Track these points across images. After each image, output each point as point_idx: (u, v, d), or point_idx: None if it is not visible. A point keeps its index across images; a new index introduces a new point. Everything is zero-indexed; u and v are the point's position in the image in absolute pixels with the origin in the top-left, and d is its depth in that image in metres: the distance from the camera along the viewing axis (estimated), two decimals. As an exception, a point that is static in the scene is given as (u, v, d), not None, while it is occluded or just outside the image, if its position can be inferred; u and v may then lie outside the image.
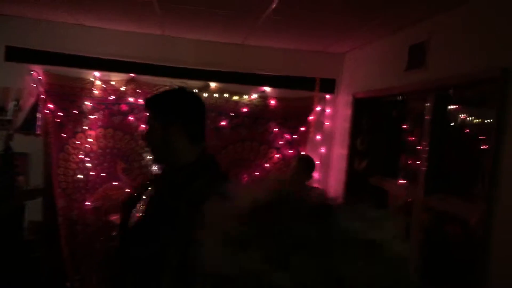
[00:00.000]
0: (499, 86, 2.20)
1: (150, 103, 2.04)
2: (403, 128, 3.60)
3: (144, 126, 4.24)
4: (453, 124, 3.19)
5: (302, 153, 4.45)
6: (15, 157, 4.06)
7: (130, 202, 2.16)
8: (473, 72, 2.48)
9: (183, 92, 2.07)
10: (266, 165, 4.57)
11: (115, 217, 3.98)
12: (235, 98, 4.54)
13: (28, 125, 4.22)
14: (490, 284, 2.25)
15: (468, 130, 3.19)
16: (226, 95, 4.52)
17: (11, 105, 4.00)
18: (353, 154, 4.17)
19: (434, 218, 3.08)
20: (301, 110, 4.61)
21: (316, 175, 4.64)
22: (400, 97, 3.47)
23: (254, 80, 4.54)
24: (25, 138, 4.24)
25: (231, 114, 4.53)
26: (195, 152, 2.00)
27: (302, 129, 4.62)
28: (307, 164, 3.97)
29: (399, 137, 3.73)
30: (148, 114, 2.03)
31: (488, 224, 2.27)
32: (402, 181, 3.56)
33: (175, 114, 1.98)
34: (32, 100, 4.20)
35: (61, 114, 4.30)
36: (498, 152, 2.22)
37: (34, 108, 4.23)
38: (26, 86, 4.18)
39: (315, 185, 4.54)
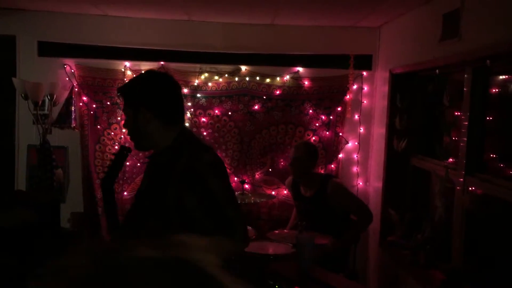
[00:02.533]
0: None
1: (120, 90, 2.02)
2: (443, 104, 3.34)
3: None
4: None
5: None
6: (52, 151, 4.15)
7: None
8: (509, 40, 2.22)
9: (151, 77, 2.08)
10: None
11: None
12: (267, 80, 4.41)
13: (64, 119, 4.29)
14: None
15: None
16: (257, 78, 4.40)
17: (46, 99, 4.06)
18: (392, 133, 3.95)
19: (476, 200, 2.85)
20: (336, 90, 4.41)
21: (355, 156, 4.46)
22: (437, 70, 3.21)
23: (285, 61, 4.38)
24: (61, 132, 4.32)
25: (264, 97, 4.40)
26: (171, 135, 1.96)
27: (339, 109, 4.42)
28: (306, 149, 3.70)
29: (439, 114, 3.47)
30: (123, 103, 2.03)
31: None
32: (444, 161, 3.32)
33: (141, 99, 1.94)
34: (66, 94, 4.26)
35: (95, 106, 4.34)
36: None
37: (69, 102, 4.30)
38: (60, 80, 4.23)
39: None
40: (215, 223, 1.81)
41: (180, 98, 2.06)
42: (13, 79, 4.02)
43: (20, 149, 4.36)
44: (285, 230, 3.75)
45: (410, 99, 3.84)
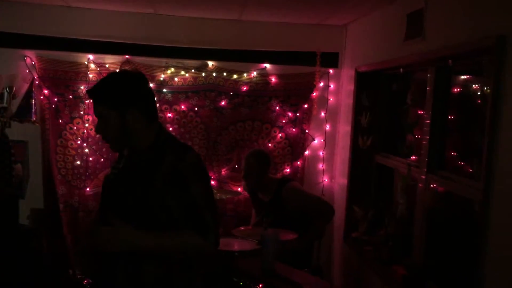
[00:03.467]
0: (495, 54, 2.00)
1: (98, 94, 1.95)
2: (406, 102, 3.40)
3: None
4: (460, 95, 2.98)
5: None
6: (12, 145, 4.01)
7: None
8: (470, 41, 2.27)
9: (127, 76, 2.07)
10: (269, 144, 4.43)
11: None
12: (234, 76, 4.38)
13: (23, 112, 4.15)
14: (488, 267, 2.09)
15: (479, 101, 2.98)
16: (224, 74, 4.37)
17: (4, 91, 3.92)
18: (357, 131, 3.99)
19: (437, 197, 2.91)
20: (303, 87, 4.43)
21: (321, 153, 4.50)
22: (402, 69, 3.26)
23: (253, 57, 4.36)
24: (21, 126, 4.17)
25: (231, 93, 4.38)
26: (153, 132, 1.99)
27: (305, 106, 4.44)
28: (256, 160, 3.76)
29: (402, 112, 3.53)
30: (96, 106, 1.95)
31: (485, 204, 2.09)
32: (407, 159, 3.38)
33: (130, 99, 1.91)
34: (26, 86, 4.12)
35: (57, 99, 4.22)
36: (495, 125, 2.03)
37: (29, 95, 4.16)
38: (20, 72, 4.10)
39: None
40: (192, 225, 1.86)
41: (154, 94, 2.10)
42: (-30, 70, 3.87)
43: (-23, 143, 4.21)
44: (250, 227, 3.75)
45: (375, 97, 3.89)
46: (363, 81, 3.96)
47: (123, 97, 1.92)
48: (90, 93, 1.99)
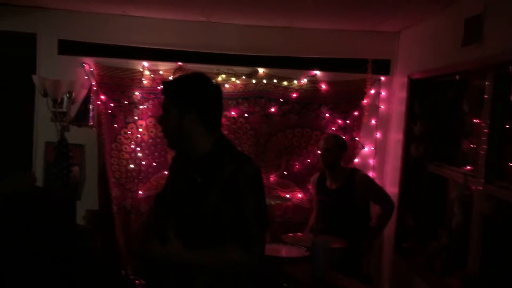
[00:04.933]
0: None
1: (168, 88, 1.99)
2: (462, 110, 3.31)
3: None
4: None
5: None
6: (70, 149, 4.18)
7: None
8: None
9: (200, 79, 2.00)
10: (318, 152, 4.40)
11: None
12: (284, 83, 4.40)
13: (82, 117, 4.33)
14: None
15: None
16: (275, 80, 4.39)
17: (65, 96, 4.10)
18: (410, 139, 3.92)
19: (495, 207, 2.81)
20: (353, 94, 4.39)
21: (371, 161, 4.43)
22: (458, 76, 3.18)
23: (303, 64, 4.37)
24: (79, 130, 4.35)
25: (280, 100, 4.40)
26: (211, 140, 1.96)
27: (356, 113, 4.40)
28: (337, 141, 3.76)
29: (458, 120, 3.43)
30: (164, 98, 1.99)
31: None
32: (462, 168, 3.28)
33: (191, 102, 1.92)
34: (84, 92, 4.29)
35: (113, 105, 4.37)
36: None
37: (87, 100, 4.33)
38: (79, 78, 4.27)
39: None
40: (238, 237, 1.86)
41: (222, 103, 2.05)
42: (33, 76, 4.07)
43: (38, 146, 4.41)
44: (299, 234, 3.74)
45: (428, 104, 3.81)
46: (416, 88, 3.88)
47: (185, 96, 1.93)
48: (164, 84, 2.03)
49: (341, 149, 3.74)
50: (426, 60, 3.70)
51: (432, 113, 3.80)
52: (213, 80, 2.09)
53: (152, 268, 2.05)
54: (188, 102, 1.93)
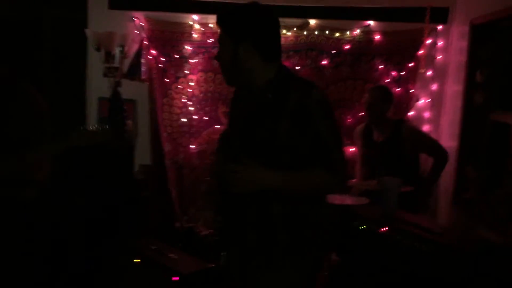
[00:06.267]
0: None
1: (221, 19, 1.94)
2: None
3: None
4: None
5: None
6: (123, 103, 4.20)
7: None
8: None
9: (255, 8, 1.95)
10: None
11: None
12: (337, 35, 4.29)
13: (134, 71, 4.33)
14: None
15: None
16: (326, 32, 4.29)
17: (117, 51, 4.10)
18: (471, 88, 3.78)
19: None
20: (409, 44, 4.25)
21: (427, 114, 4.32)
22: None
23: (356, 14, 4.24)
24: (130, 86, 4.34)
25: (332, 52, 4.30)
26: (271, 71, 1.91)
27: (411, 64, 4.27)
28: (382, 94, 3.68)
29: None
30: (219, 31, 1.94)
31: None
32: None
33: (245, 30, 1.86)
34: (136, 46, 4.28)
35: (164, 59, 4.35)
36: None
37: (138, 54, 4.33)
38: (130, 32, 4.26)
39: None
40: (319, 163, 1.82)
41: (280, 34, 2.01)
42: (86, 30, 4.07)
43: (91, 102, 4.46)
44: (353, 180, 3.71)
45: (492, 51, 3.65)
46: (478, 35, 3.72)
47: (238, 25, 1.88)
48: (217, 16, 1.97)
49: (386, 102, 3.66)
50: (488, 4, 3.53)
51: (496, 59, 3.64)
52: (271, 10, 2.00)
53: (229, 202, 2.04)
54: (242, 31, 1.88)
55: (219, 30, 1.99)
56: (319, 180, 1.83)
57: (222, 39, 1.95)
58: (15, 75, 2.25)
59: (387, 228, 2.35)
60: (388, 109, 3.71)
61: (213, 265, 2.95)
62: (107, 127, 2.72)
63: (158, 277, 2.87)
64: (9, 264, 2.20)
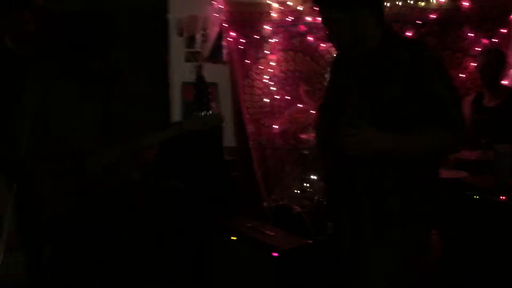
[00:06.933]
0: None
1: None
2: None
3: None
4: None
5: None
6: (208, 86, 4.27)
7: None
8: None
9: None
10: (461, 75, 4.11)
11: (304, 136, 3.98)
12: (421, 4, 4.11)
13: (216, 54, 4.38)
14: None
15: None
16: (410, 1, 4.12)
17: (199, 34, 4.16)
18: None
19: None
20: (500, 9, 4.00)
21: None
22: None
23: (442, -20, 4.04)
24: (212, 69, 4.37)
25: (417, 22, 4.12)
26: (381, 30, 1.89)
27: (503, 30, 4.01)
28: (496, 56, 3.51)
29: None
30: (325, 12, 1.89)
31: None
32: None
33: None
34: (216, 29, 4.33)
35: (243, 40, 4.36)
36: None
37: (219, 37, 4.36)
38: (209, 15, 4.30)
39: None
40: (439, 122, 1.78)
41: None
42: (168, 15, 4.16)
43: (174, 87, 4.55)
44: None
45: None
46: None
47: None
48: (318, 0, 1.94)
49: (500, 65, 3.51)
50: None
51: None
52: None
53: (339, 169, 2.00)
54: (360, 1, 1.84)
55: (321, 12, 1.94)
56: (439, 139, 1.78)
57: (331, 18, 1.90)
58: (119, 61, 2.32)
59: (505, 197, 2.23)
60: (502, 73, 3.57)
61: (311, 242, 2.94)
62: (216, 112, 2.76)
63: (257, 253, 2.90)
64: (127, 247, 2.30)
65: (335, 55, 2.19)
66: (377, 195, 1.88)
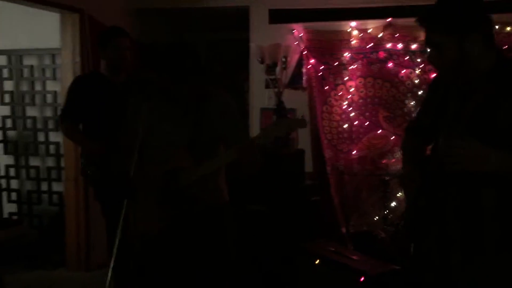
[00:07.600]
0: None
1: (433, 19, 1.81)
2: None
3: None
4: None
5: None
6: (288, 112, 4.36)
7: None
8: None
9: None
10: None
11: (384, 161, 3.96)
12: (508, 29, 4.03)
13: (296, 81, 4.47)
14: None
15: None
16: (496, 27, 4.03)
17: (280, 62, 4.28)
18: None
19: None
20: None
21: None
22: None
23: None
24: (290, 95, 4.45)
25: (503, 48, 4.03)
26: (491, 57, 1.79)
27: None
28: None
29: None
30: (429, 33, 1.86)
31: None
32: None
33: (472, 20, 1.76)
34: (296, 57, 4.44)
35: (322, 67, 4.44)
36: None
37: (299, 64, 4.47)
38: (290, 44, 4.42)
39: None
40: None
41: None
42: (251, 44, 4.33)
43: (254, 113, 4.68)
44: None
45: None
46: None
47: (465, 20, 1.76)
48: (423, 20, 1.92)
49: None
50: None
51: None
52: None
53: (430, 186, 1.96)
54: (469, 22, 1.75)
55: (425, 32, 1.91)
56: None
57: (435, 40, 1.85)
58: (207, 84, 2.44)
59: None
60: None
61: (398, 267, 2.90)
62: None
63: (342, 277, 2.89)
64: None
65: (432, 76, 2.16)
66: (471, 219, 1.83)
